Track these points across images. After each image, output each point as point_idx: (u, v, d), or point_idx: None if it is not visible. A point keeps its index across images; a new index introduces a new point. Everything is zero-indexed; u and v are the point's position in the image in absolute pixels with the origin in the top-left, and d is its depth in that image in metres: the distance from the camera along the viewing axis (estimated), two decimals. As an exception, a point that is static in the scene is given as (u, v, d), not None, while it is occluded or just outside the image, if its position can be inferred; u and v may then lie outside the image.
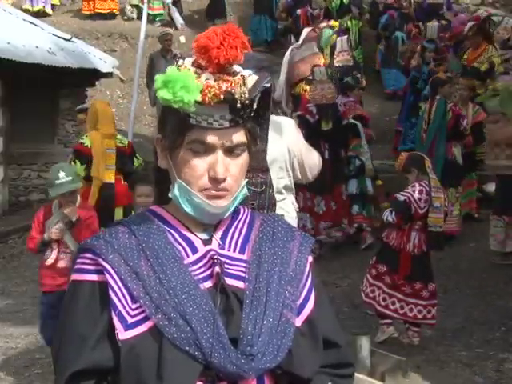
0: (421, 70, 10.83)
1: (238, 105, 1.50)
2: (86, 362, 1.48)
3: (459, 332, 6.28)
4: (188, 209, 1.56)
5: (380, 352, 5.29)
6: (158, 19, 16.21)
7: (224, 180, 1.53)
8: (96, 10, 16.14)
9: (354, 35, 13.81)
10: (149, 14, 16.03)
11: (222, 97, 1.48)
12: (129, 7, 16.38)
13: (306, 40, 10.69)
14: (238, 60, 1.51)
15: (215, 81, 1.49)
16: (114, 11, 16.39)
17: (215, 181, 1.53)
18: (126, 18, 16.54)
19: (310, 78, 9.35)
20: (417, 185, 5.92)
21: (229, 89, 1.49)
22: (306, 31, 10.96)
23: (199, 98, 1.47)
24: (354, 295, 7.06)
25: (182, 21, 16.09)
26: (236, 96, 1.50)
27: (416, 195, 5.85)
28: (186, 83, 1.45)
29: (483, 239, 8.16)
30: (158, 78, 1.48)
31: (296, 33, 14.48)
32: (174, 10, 16.24)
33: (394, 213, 5.88)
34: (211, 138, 1.51)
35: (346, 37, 11.77)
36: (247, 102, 1.51)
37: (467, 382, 5.21)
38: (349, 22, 14.08)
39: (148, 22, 15.92)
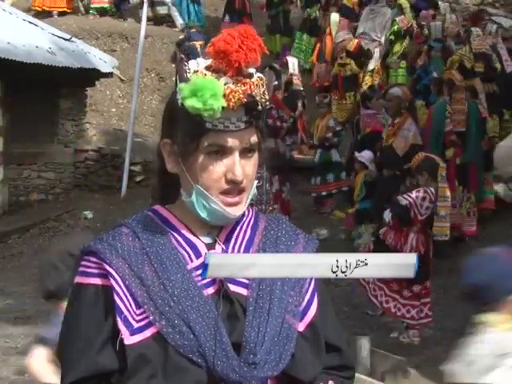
0: (427, 70, 10.70)
1: (259, 107, 1.50)
2: (88, 368, 1.48)
3: (459, 332, 6.27)
4: (204, 214, 1.55)
5: (380, 352, 5.29)
6: (91, 11, 16.08)
7: (242, 182, 1.52)
8: (44, 8, 15.92)
9: (321, 24, 14.14)
10: (91, 7, 16.04)
11: (244, 100, 1.48)
12: (80, 4, 16.24)
13: (340, 28, 12.68)
14: (257, 62, 1.50)
15: (234, 84, 1.48)
16: (66, 9, 16.16)
17: (233, 183, 1.52)
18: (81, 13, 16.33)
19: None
20: (422, 190, 5.86)
21: (248, 92, 1.48)
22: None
23: (225, 104, 1.46)
24: (354, 295, 7.08)
25: (181, 21, 16.06)
26: (257, 98, 1.50)
27: (419, 201, 5.78)
28: (214, 91, 1.44)
29: (483, 239, 8.16)
30: (185, 87, 1.47)
31: (230, 12, 15.01)
32: (173, 9, 16.22)
33: (391, 215, 5.86)
34: (230, 141, 1.50)
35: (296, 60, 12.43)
36: (267, 103, 1.52)
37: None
38: (317, 12, 14.24)
39: (83, 15, 15.87)
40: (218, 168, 1.52)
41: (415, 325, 5.95)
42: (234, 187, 1.53)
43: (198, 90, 1.45)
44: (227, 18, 15.22)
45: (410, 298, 5.85)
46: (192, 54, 12.83)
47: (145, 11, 11.81)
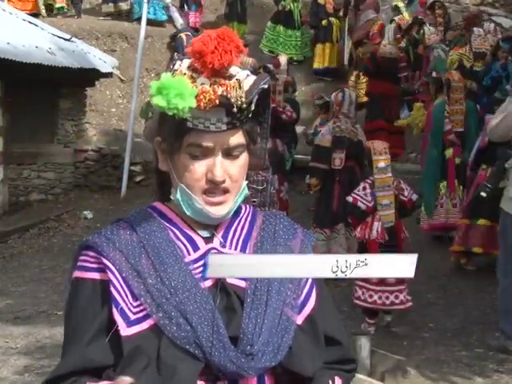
0: (491, 69, 10.35)
1: (234, 109, 1.50)
2: (75, 363, 1.48)
3: (459, 332, 6.28)
4: (189, 212, 1.57)
5: (380, 352, 5.29)
6: (55, 11, 16.10)
7: (223, 182, 1.53)
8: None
9: (296, 17, 14.74)
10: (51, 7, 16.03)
11: (217, 101, 1.48)
12: (42, 6, 16.21)
13: (365, 7, 12.77)
14: (233, 64, 1.51)
15: (211, 85, 1.49)
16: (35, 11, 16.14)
17: (213, 183, 1.53)
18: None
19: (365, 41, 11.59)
20: (361, 183, 6.28)
21: (224, 93, 1.48)
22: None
23: (194, 104, 1.47)
24: (354, 295, 7.05)
25: (181, 21, 16.06)
26: (232, 100, 1.49)
27: (360, 192, 6.16)
28: (180, 90, 1.45)
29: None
30: (153, 85, 1.48)
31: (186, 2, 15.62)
32: (173, 9, 16.22)
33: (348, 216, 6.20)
34: (208, 142, 1.51)
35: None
36: (244, 105, 1.51)
37: (467, 382, 5.21)
38: (292, 5, 14.72)
39: (49, 16, 15.85)
40: (199, 168, 1.53)
41: (397, 310, 6.10)
42: (215, 187, 1.54)
43: (164, 89, 1.46)
44: (186, 8, 15.84)
45: (379, 284, 6.02)
46: (180, 47, 13.10)
47: (145, 11, 11.82)
